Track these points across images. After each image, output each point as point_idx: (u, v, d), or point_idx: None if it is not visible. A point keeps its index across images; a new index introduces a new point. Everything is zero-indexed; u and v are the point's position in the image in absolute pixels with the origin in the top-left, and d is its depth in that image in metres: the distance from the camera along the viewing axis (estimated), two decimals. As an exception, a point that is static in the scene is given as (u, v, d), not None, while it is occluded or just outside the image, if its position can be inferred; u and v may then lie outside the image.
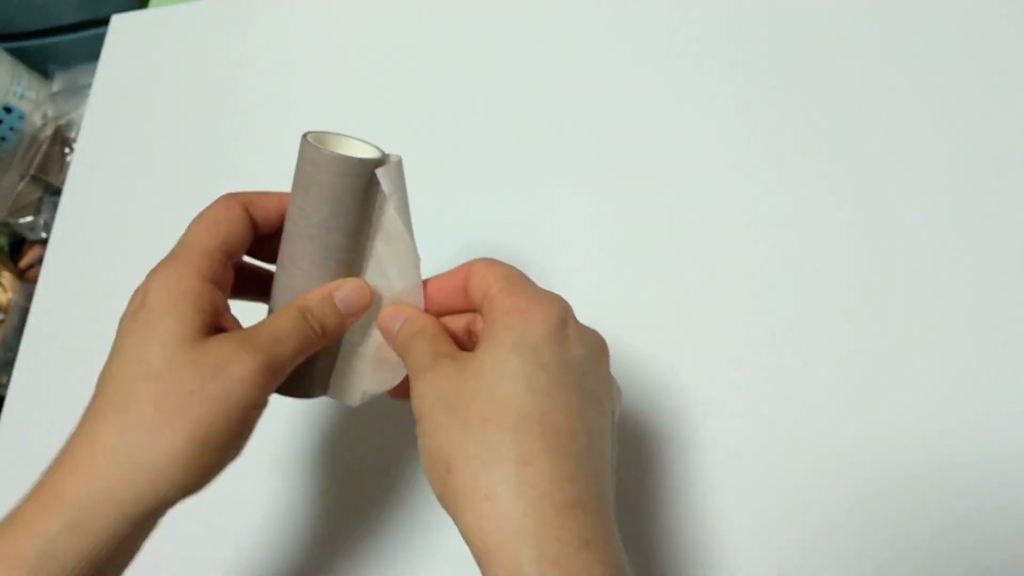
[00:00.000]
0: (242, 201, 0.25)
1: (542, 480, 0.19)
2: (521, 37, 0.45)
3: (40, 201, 0.81)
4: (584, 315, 0.22)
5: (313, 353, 0.25)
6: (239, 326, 0.24)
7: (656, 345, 0.35)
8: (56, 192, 0.80)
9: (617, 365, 0.35)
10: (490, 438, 0.20)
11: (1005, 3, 0.37)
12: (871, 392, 0.32)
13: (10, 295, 0.77)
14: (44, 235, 0.80)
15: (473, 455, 0.19)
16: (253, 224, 0.26)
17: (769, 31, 0.40)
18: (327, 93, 0.48)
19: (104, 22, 0.58)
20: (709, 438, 0.33)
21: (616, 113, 0.41)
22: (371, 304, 0.25)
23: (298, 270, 0.25)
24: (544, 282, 0.22)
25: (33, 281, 0.79)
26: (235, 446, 0.23)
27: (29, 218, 0.81)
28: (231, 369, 0.22)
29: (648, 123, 0.40)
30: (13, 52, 0.92)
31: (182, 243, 0.24)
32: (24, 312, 0.71)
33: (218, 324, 0.23)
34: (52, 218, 0.81)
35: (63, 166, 0.80)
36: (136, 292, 0.23)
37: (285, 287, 0.25)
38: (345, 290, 0.25)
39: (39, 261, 0.81)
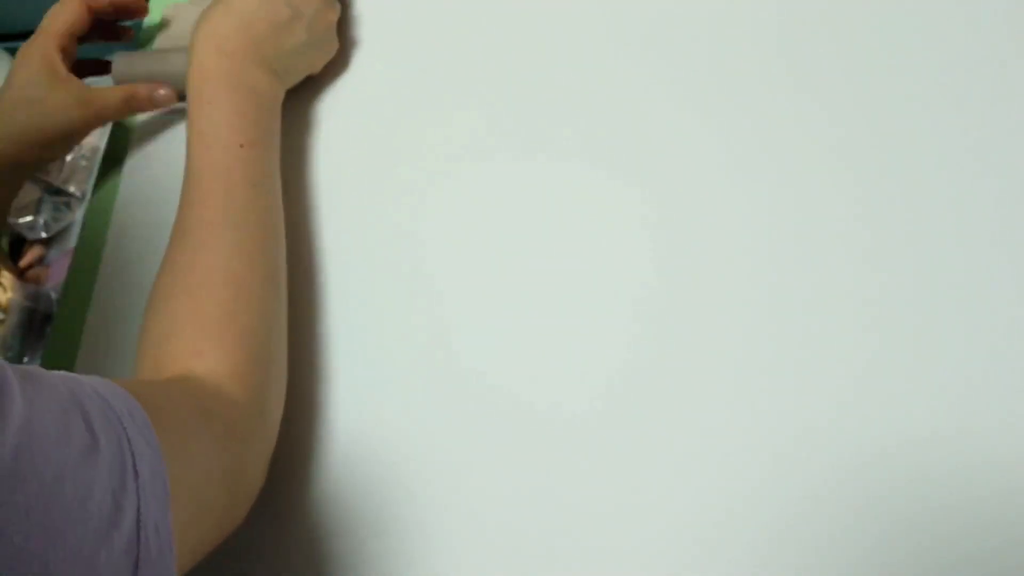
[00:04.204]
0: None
1: (218, 38, 0.40)
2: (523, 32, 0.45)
3: (40, 201, 0.80)
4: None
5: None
6: (76, 78, 0.47)
7: (659, 344, 0.35)
8: (56, 192, 0.80)
9: (610, 367, 0.35)
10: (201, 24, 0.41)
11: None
12: (883, 395, 0.32)
13: (10, 295, 0.77)
14: (44, 235, 0.80)
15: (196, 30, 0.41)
16: (90, 12, 0.48)
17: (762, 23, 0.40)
18: (328, 89, 0.48)
19: (104, 22, 0.58)
20: (718, 442, 0.33)
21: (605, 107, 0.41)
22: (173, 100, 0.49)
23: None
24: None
25: (33, 281, 0.79)
26: (59, 143, 0.47)
27: (29, 218, 0.81)
28: (71, 111, 0.45)
29: (643, 118, 0.40)
30: (13, 52, 0.92)
31: (42, 27, 0.47)
32: (24, 311, 0.71)
33: (64, 73, 0.46)
34: (52, 218, 0.81)
35: (63, 166, 0.80)
36: (22, 50, 0.46)
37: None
38: (164, 92, 0.48)
39: (39, 261, 0.81)
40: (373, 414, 0.39)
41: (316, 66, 0.46)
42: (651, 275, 0.37)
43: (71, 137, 0.47)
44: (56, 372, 0.24)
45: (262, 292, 0.35)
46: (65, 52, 0.46)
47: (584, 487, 0.34)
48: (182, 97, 0.46)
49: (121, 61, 0.49)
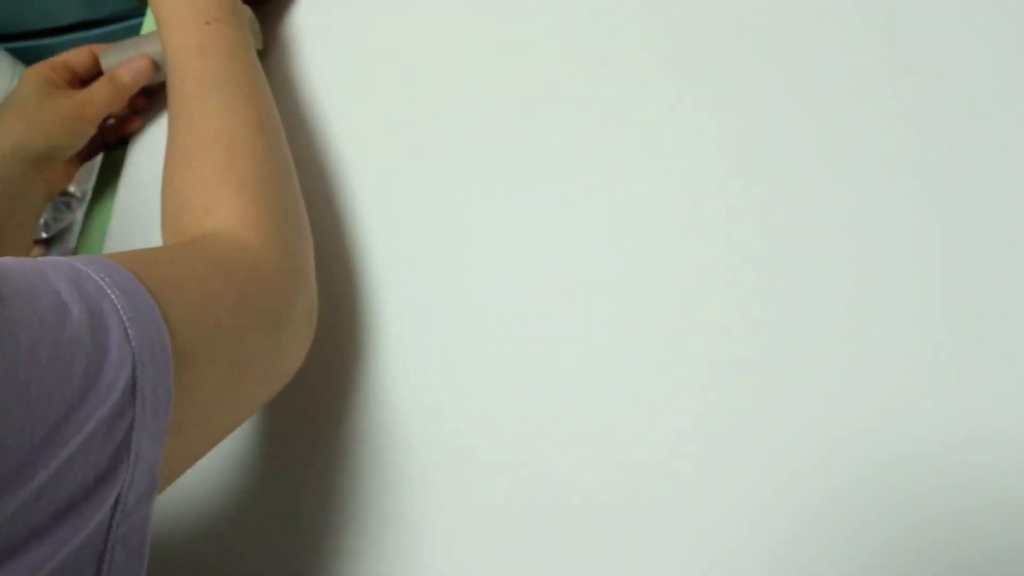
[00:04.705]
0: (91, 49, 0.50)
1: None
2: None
3: (40, 201, 0.80)
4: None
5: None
6: (68, 89, 0.48)
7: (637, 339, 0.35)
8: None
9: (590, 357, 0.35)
10: None
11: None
12: (894, 402, 0.32)
13: (10, 295, 0.77)
14: (45, 235, 0.80)
15: None
16: (92, 56, 0.50)
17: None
18: (330, 91, 0.48)
19: (104, 22, 0.58)
20: (727, 449, 0.33)
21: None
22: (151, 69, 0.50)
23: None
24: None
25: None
26: (60, 142, 0.47)
27: (29, 218, 0.81)
28: (62, 109, 0.46)
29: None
30: (13, 52, 0.92)
31: (53, 59, 0.49)
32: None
33: (57, 83, 0.48)
34: (53, 218, 0.81)
35: (63, 166, 0.80)
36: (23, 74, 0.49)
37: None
38: (141, 63, 0.49)
39: (39, 261, 0.82)
40: (380, 403, 0.39)
41: None
42: (660, 277, 0.37)
43: (71, 135, 0.48)
44: (26, 259, 0.23)
45: (257, 143, 0.36)
46: (56, 73, 0.49)
47: (590, 491, 0.34)
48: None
49: (109, 52, 0.49)
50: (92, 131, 0.49)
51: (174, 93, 0.38)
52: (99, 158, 0.56)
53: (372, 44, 0.48)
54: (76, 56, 0.49)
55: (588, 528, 0.34)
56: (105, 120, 0.53)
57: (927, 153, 0.35)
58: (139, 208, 0.53)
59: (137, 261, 0.25)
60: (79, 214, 0.77)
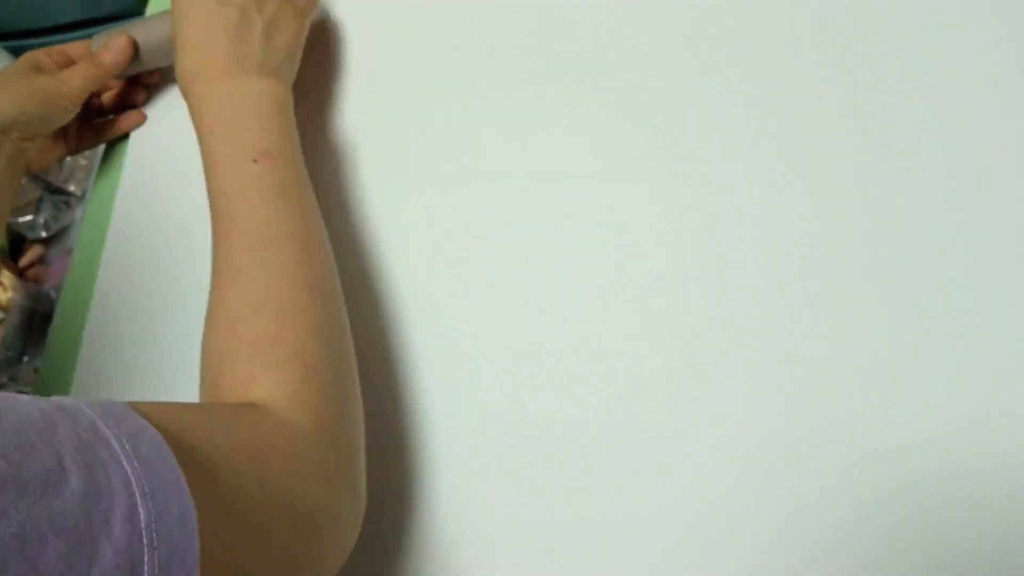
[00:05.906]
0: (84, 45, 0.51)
1: (192, 73, 0.41)
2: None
3: (40, 200, 0.80)
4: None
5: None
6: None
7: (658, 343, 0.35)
8: (56, 191, 0.80)
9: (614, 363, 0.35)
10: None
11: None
12: (886, 396, 0.31)
13: (10, 294, 0.77)
14: (44, 234, 0.80)
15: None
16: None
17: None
18: (330, 92, 0.48)
19: (104, 21, 0.58)
20: (721, 444, 0.33)
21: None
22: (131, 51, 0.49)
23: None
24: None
25: (33, 280, 0.79)
26: (36, 113, 0.48)
27: (29, 217, 0.81)
28: (44, 86, 0.48)
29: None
30: (13, 51, 0.92)
31: (52, 47, 0.51)
32: (24, 311, 0.71)
33: (44, 64, 0.49)
34: (52, 217, 0.81)
35: (63, 165, 0.80)
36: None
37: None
38: (120, 41, 0.48)
39: (39, 260, 0.81)
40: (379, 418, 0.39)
41: (299, 34, 0.43)
42: (653, 277, 0.37)
43: (45, 106, 0.48)
44: (44, 404, 0.21)
45: (309, 306, 0.33)
46: (51, 58, 0.49)
47: (585, 491, 0.34)
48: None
49: (100, 36, 0.50)
50: (71, 107, 0.49)
51: (218, 243, 0.35)
52: (99, 158, 0.56)
53: (378, 49, 0.48)
54: (76, 46, 0.50)
55: (587, 531, 0.33)
56: (104, 115, 0.53)
57: (935, 153, 0.34)
58: (139, 208, 0.53)
59: (183, 428, 0.23)
60: (79, 214, 0.77)
